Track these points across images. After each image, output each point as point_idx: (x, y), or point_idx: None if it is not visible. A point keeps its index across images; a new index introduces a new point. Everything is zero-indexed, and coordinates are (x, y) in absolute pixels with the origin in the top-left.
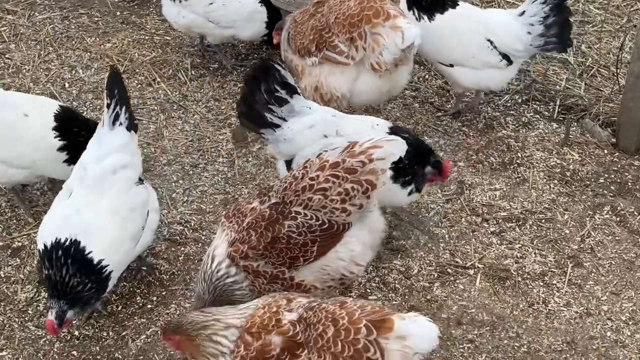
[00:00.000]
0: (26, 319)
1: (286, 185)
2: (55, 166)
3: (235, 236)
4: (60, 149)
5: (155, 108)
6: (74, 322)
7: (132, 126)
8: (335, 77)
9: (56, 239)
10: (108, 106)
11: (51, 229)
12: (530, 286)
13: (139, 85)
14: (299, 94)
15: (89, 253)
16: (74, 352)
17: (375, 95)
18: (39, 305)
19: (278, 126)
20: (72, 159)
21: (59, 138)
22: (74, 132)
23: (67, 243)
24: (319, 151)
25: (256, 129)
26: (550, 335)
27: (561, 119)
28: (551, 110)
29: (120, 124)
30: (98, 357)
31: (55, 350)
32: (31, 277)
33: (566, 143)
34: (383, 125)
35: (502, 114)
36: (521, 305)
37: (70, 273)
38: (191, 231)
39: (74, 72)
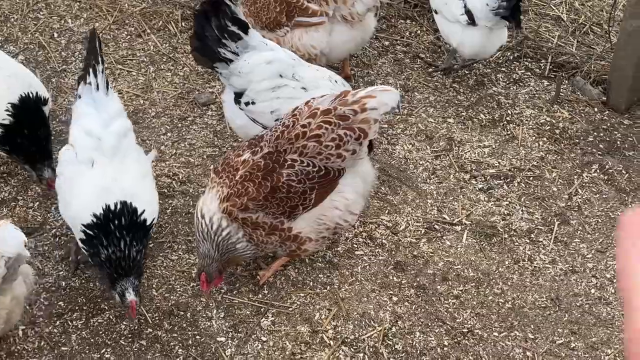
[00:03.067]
0: None
1: (278, 134)
2: None
3: (229, 191)
4: None
5: (145, 60)
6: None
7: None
8: (310, 35)
9: (106, 205)
10: (102, 71)
11: (92, 200)
12: (517, 243)
13: (129, 37)
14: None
15: (141, 213)
16: (61, 303)
17: (352, 45)
18: None
19: (231, 61)
20: None
21: (8, 114)
22: (22, 125)
23: (119, 206)
24: (271, 89)
25: (209, 63)
26: (535, 292)
27: (552, 76)
28: (542, 67)
29: (110, 88)
30: (84, 308)
31: (42, 300)
32: None
33: (556, 101)
34: (341, 80)
35: (493, 70)
36: (507, 262)
37: (129, 242)
38: (179, 184)
39: (62, 21)
